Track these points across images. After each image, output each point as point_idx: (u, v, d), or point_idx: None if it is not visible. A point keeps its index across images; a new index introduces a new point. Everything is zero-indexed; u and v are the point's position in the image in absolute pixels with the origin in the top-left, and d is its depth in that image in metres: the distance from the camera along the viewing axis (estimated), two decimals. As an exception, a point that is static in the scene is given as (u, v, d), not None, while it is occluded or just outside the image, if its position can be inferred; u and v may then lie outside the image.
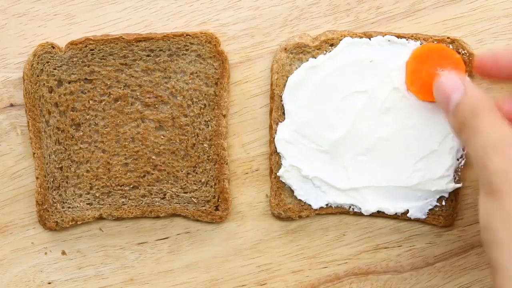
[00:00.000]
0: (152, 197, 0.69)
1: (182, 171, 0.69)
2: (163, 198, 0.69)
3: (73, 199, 0.69)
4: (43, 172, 0.68)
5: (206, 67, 0.68)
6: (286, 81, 0.67)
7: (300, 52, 0.67)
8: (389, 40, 0.67)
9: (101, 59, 0.67)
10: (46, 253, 0.71)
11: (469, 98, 0.56)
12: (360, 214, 0.69)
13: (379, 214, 0.69)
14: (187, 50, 0.68)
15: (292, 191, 0.69)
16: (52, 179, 0.68)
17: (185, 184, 0.69)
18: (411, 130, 0.67)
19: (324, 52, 0.67)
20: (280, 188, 0.69)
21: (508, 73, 0.58)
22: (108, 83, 0.68)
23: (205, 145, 0.68)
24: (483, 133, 0.53)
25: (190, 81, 0.68)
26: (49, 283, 0.71)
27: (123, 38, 0.67)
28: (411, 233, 0.71)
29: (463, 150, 0.68)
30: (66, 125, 0.68)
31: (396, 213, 0.69)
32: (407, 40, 0.67)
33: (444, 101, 0.57)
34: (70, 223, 0.69)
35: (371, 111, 0.67)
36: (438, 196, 0.68)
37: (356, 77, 0.67)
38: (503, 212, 0.50)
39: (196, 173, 0.69)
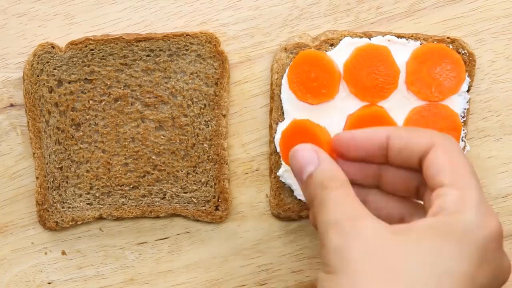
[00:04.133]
0: (152, 197, 0.69)
1: (182, 171, 0.69)
2: (163, 198, 0.69)
3: (73, 199, 0.69)
4: (43, 172, 0.68)
5: (206, 67, 0.68)
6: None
7: (300, 52, 0.67)
8: (389, 40, 0.67)
9: (101, 59, 0.67)
10: (46, 253, 0.71)
11: (321, 172, 0.53)
12: (360, 214, 0.69)
13: (379, 214, 0.69)
14: (187, 50, 0.68)
15: (292, 191, 0.69)
16: (52, 179, 0.68)
17: (185, 184, 0.69)
18: (411, 130, 0.67)
19: (324, 52, 0.67)
20: (280, 188, 0.69)
21: (365, 154, 0.55)
22: (108, 83, 0.68)
23: (205, 145, 0.68)
24: (328, 208, 0.51)
25: (190, 81, 0.68)
26: (49, 283, 0.71)
27: (123, 38, 0.67)
28: (411, 233, 0.71)
29: (463, 150, 0.68)
30: (66, 125, 0.68)
31: (396, 213, 0.69)
32: (407, 40, 0.67)
33: (298, 172, 0.55)
34: (70, 223, 0.69)
35: (371, 111, 0.67)
36: (438, 196, 0.68)
37: (356, 77, 0.67)
38: None
39: (196, 173, 0.69)
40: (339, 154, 0.57)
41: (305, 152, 0.55)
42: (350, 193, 0.52)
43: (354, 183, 0.55)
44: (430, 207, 0.50)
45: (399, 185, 0.56)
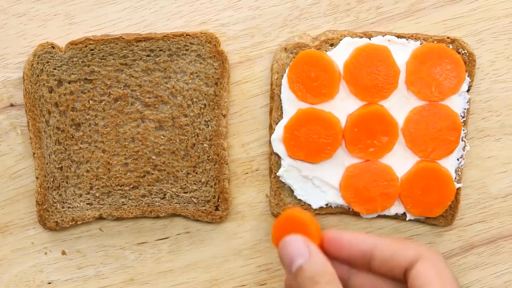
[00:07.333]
0: (152, 197, 0.69)
1: (182, 171, 0.69)
2: (163, 198, 0.69)
3: (73, 199, 0.69)
4: (43, 172, 0.68)
5: (206, 67, 0.68)
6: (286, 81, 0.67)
7: (300, 52, 0.67)
8: (389, 40, 0.67)
9: (101, 59, 0.67)
10: (46, 253, 0.71)
11: (311, 266, 0.55)
12: (360, 214, 0.69)
13: (379, 214, 0.69)
14: (187, 50, 0.68)
15: (292, 191, 0.69)
16: (52, 179, 0.68)
17: (185, 184, 0.69)
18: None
19: (324, 52, 0.67)
20: (280, 188, 0.69)
21: (348, 257, 0.57)
22: (108, 83, 0.68)
23: (205, 145, 0.68)
24: None
25: (190, 81, 0.68)
26: (49, 283, 0.71)
27: (123, 38, 0.67)
28: (411, 233, 0.71)
29: (463, 150, 0.68)
30: (66, 125, 0.68)
31: (396, 213, 0.69)
32: (407, 40, 0.67)
33: (288, 263, 0.56)
34: (70, 223, 0.69)
35: (371, 111, 0.67)
36: (438, 196, 0.68)
37: (356, 77, 0.67)
38: None
39: (196, 173, 0.69)
40: (326, 250, 0.58)
41: (296, 243, 0.56)
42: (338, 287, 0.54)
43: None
44: None
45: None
